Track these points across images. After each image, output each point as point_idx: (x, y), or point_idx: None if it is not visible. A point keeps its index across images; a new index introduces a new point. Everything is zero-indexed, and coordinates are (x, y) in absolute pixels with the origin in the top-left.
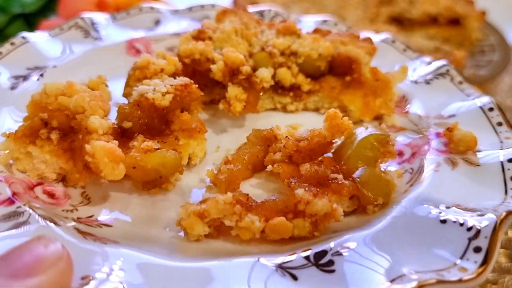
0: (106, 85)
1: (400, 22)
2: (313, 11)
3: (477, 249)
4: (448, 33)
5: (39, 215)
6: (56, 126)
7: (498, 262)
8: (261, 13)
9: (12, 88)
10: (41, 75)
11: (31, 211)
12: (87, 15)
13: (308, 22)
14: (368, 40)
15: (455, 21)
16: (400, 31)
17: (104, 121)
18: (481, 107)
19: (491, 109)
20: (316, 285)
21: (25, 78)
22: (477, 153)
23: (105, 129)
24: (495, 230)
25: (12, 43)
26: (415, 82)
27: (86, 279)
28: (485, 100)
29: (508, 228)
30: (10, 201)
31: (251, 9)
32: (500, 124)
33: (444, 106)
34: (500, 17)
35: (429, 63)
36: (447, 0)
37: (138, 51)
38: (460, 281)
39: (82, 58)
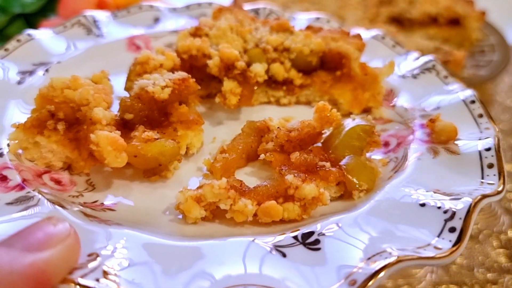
0: (109, 79)
1: (400, 22)
2: (313, 11)
3: (452, 229)
4: (448, 33)
5: (47, 199)
6: (62, 117)
7: (498, 262)
8: (256, 11)
9: (19, 82)
10: (46, 70)
11: (40, 196)
12: (89, 13)
13: (301, 20)
14: (358, 36)
15: (455, 21)
16: (400, 31)
17: (107, 112)
18: (463, 100)
19: (472, 102)
20: (302, 261)
21: (31, 73)
22: (458, 142)
23: (108, 120)
24: (469, 212)
25: (18, 40)
26: (403, 76)
27: (92, 255)
28: (467, 93)
29: (508, 228)
30: (20, 187)
31: (247, 7)
32: (481, 115)
33: (429, 99)
34: (500, 17)
35: (417, 58)
36: (447, 0)
37: (138, 48)
38: (434, 257)
39: (84, 54)
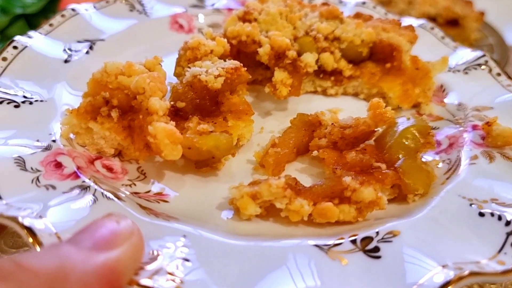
0: (161, 66)
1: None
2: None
3: None
4: (446, 33)
5: (103, 189)
6: (116, 104)
7: None
8: None
9: (66, 61)
10: (91, 47)
11: (96, 186)
12: None
13: (347, 4)
14: (410, 27)
15: (453, 22)
16: None
17: (163, 102)
18: None
19: None
20: (363, 269)
21: (76, 51)
22: None
23: (164, 110)
24: None
25: (63, 15)
26: (454, 71)
27: (154, 254)
28: None
29: None
30: (75, 175)
31: None
32: None
33: (481, 97)
34: (498, 18)
35: (468, 52)
36: (445, 1)
37: (181, 26)
38: (498, 273)
39: (127, 31)
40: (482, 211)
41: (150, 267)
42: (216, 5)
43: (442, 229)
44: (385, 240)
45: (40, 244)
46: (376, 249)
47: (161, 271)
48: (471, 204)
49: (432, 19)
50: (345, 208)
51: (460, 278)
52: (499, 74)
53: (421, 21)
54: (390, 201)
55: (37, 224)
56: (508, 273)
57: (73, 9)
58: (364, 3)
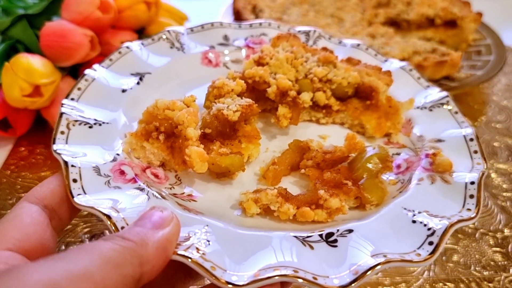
0: (195, 102)
1: (397, 24)
2: (312, 13)
3: (430, 243)
4: (445, 34)
5: (153, 191)
6: (163, 130)
7: (494, 260)
8: (307, 33)
9: (123, 90)
10: (141, 79)
11: (148, 188)
12: (172, 28)
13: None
14: (388, 73)
15: (451, 23)
16: (398, 33)
17: (196, 131)
18: (464, 136)
19: (471, 139)
20: (324, 253)
21: (129, 82)
22: (453, 174)
23: (196, 137)
24: (445, 231)
25: (120, 52)
26: (421, 108)
27: (187, 236)
28: (469, 131)
29: (504, 227)
30: (134, 180)
31: (298, 28)
32: (476, 152)
33: (438, 131)
34: (496, 19)
35: (435, 93)
36: (443, 2)
37: (210, 61)
38: (412, 261)
39: (168, 65)
40: (414, 219)
41: (185, 244)
42: (237, 43)
43: (383, 229)
44: (342, 235)
45: (115, 225)
46: (335, 240)
47: (192, 246)
48: (408, 214)
49: (431, 20)
50: (319, 212)
51: (387, 262)
52: (456, 112)
53: (403, 63)
54: (353, 208)
55: (112, 213)
56: (420, 262)
57: (127, 47)
58: (358, 45)
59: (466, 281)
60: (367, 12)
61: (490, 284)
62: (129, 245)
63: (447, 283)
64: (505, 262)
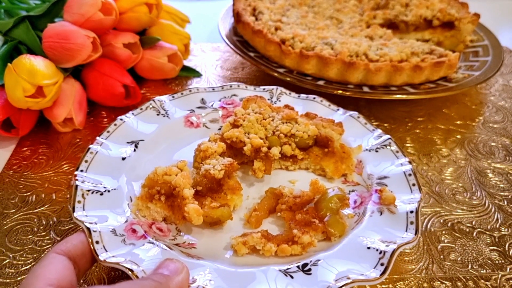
0: (187, 166)
1: (395, 25)
2: (311, 15)
3: (382, 264)
4: (442, 35)
5: (161, 243)
6: (163, 192)
7: (491, 259)
8: (270, 91)
9: (123, 158)
10: (136, 146)
11: (157, 242)
12: (158, 98)
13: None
14: (339, 124)
15: (449, 24)
16: (396, 34)
17: (191, 191)
18: (404, 172)
19: (410, 175)
20: (302, 281)
21: (126, 151)
22: (397, 205)
23: (191, 196)
24: (393, 253)
25: (115, 124)
26: (369, 150)
27: (193, 279)
28: (408, 167)
29: (501, 226)
30: (144, 236)
31: (263, 87)
32: (414, 185)
33: (383, 170)
34: (493, 20)
35: (380, 136)
36: (441, 3)
37: (191, 123)
38: (368, 280)
39: (157, 131)
40: (368, 245)
41: (193, 285)
42: (213, 105)
43: (345, 256)
44: (314, 264)
45: (136, 276)
46: (309, 269)
47: (199, 287)
48: (363, 241)
49: (428, 21)
50: (294, 247)
51: (352, 282)
52: (397, 151)
53: (352, 112)
54: (321, 241)
55: (134, 267)
56: (375, 280)
57: (121, 119)
58: (314, 98)
59: (464, 279)
60: (365, 13)
61: (487, 283)
62: (158, 284)
63: (445, 282)
64: (502, 261)
